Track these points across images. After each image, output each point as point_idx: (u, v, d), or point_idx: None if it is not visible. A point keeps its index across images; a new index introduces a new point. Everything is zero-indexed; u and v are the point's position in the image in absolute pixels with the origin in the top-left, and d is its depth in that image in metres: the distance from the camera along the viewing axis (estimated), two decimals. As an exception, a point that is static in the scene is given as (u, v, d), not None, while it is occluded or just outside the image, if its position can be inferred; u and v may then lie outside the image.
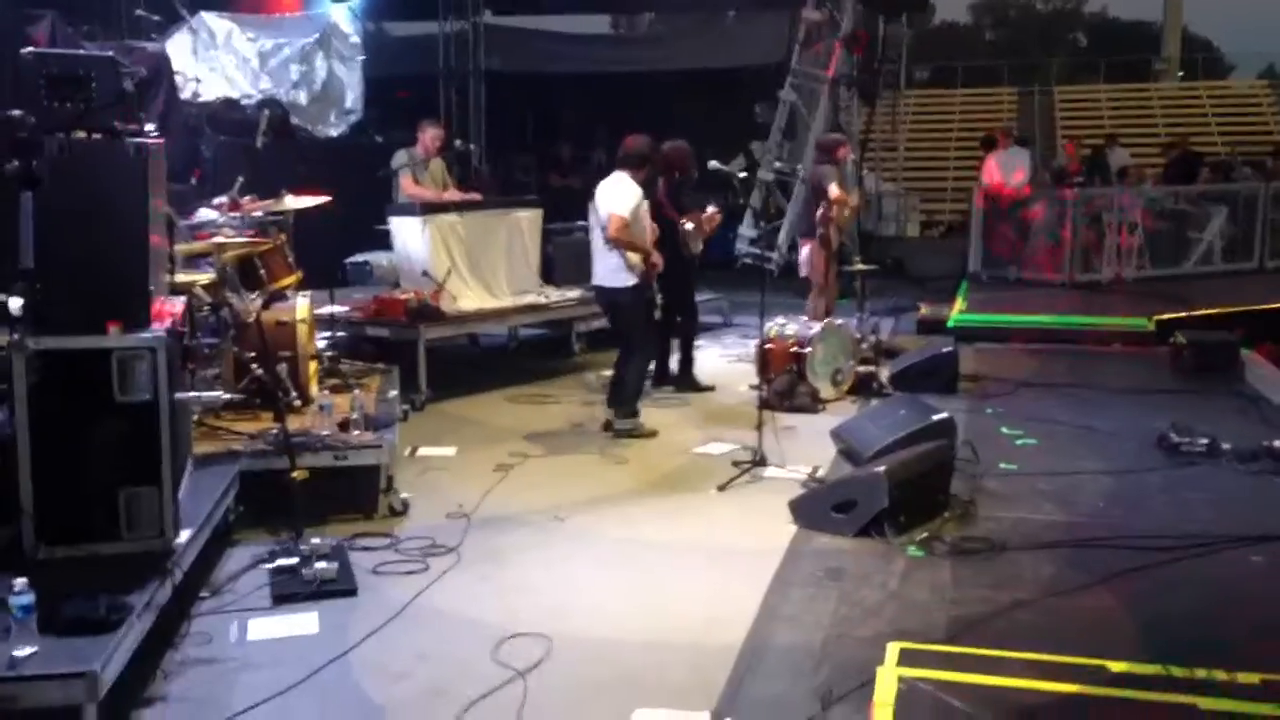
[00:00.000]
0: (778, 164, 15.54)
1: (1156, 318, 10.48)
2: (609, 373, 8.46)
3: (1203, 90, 31.17)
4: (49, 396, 3.97)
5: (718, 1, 18.93)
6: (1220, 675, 3.79)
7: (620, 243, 7.03)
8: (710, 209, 8.20)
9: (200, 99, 11.27)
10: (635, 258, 7.05)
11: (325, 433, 5.66)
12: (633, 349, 7.28)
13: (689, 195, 8.34)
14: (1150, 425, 6.98)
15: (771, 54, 16.68)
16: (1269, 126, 27.53)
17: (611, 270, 7.13)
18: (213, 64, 11.70)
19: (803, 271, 9.43)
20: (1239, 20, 58.63)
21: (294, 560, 4.66)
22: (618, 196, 7.03)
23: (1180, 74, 34.48)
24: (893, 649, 4.02)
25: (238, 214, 6.92)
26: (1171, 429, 6.71)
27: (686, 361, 8.53)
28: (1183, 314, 10.46)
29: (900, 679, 3.77)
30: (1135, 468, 6.38)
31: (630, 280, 7.10)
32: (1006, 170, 14.00)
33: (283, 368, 6.18)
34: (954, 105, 30.69)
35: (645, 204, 7.22)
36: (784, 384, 7.85)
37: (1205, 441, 6.55)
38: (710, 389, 8.36)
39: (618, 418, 7.20)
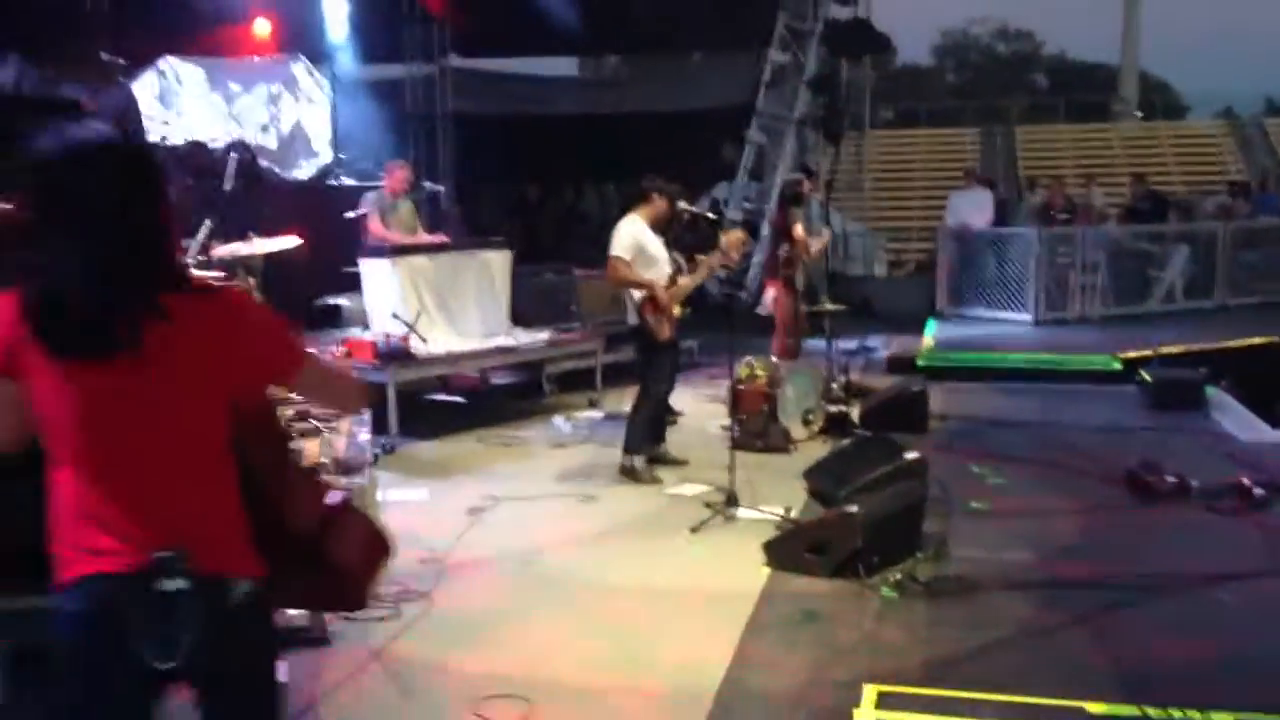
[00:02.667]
0: (745, 204, 15.65)
1: (1122, 356, 10.58)
2: (582, 414, 8.44)
3: (1162, 130, 31.69)
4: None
5: (684, 44, 19.12)
6: (1195, 715, 3.80)
7: (619, 284, 7.06)
8: (734, 234, 7.67)
9: (168, 142, 11.24)
10: (639, 294, 7.02)
11: (294, 478, 5.59)
12: (641, 389, 7.25)
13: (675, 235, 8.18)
14: (1118, 463, 7.03)
15: (738, 96, 16.85)
16: (1227, 165, 27.99)
17: (629, 309, 7.17)
18: (180, 107, 11.69)
19: (768, 309, 9.45)
20: (1195, 62, 59.84)
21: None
22: (616, 237, 7.03)
23: (1139, 115, 35.05)
24: (869, 692, 4.00)
25: (206, 257, 6.89)
26: (1140, 467, 6.75)
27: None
28: (1148, 352, 10.56)
29: (877, 722, 3.75)
30: (1105, 505, 6.42)
31: (636, 319, 7.10)
32: (969, 210, 14.15)
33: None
34: (918, 145, 31.02)
35: (655, 239, 7.12)
36: (755, 424, 7.85)
37: (1173, 479, 6.59)
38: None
39: (623, 455, 7.18)
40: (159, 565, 2.11)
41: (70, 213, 2.12)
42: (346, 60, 15.55)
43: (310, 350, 2.48)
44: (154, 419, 2.17)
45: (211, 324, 2.20)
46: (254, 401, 2.37)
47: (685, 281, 7.16)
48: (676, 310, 7.07)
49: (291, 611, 4.49)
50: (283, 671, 4.15)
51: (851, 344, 11.38)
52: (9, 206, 2.42)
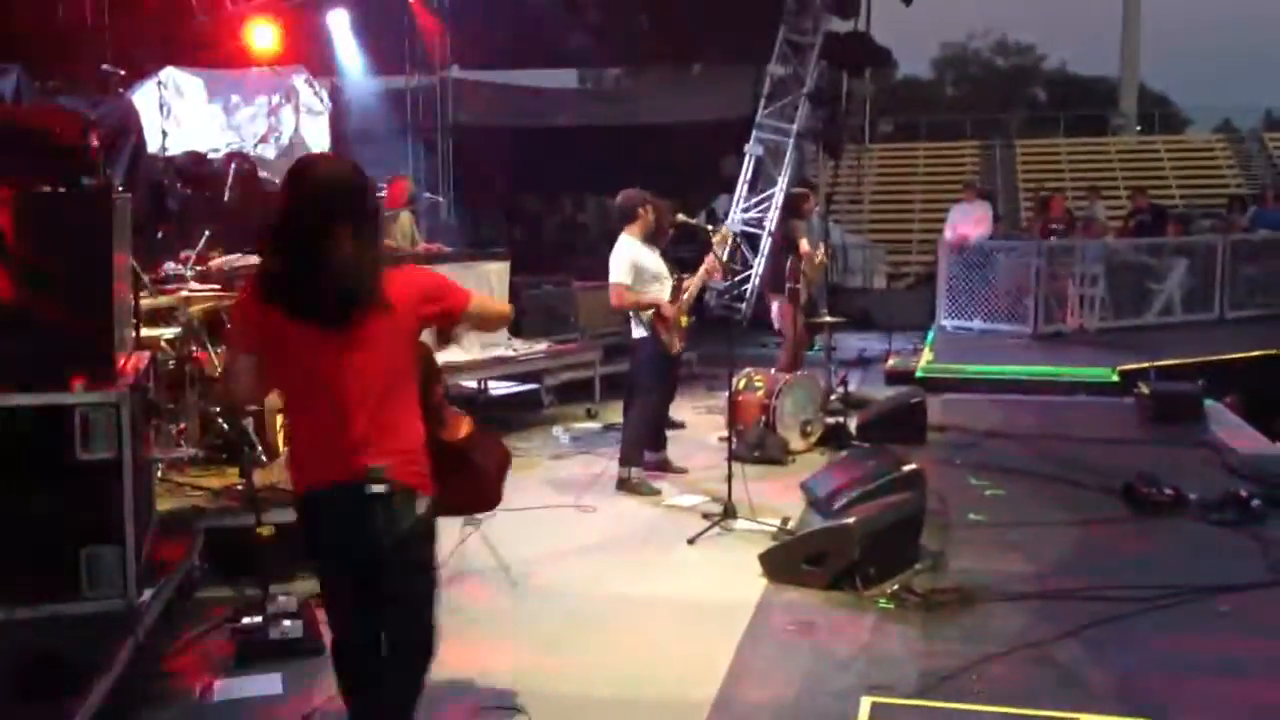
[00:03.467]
0: (745, 216, 15.68)
1: (1120, 368, 10.58)
2: (580, 425, 8.44)
3: (1161, 144, 31.75)
4: (8, 452, 3.92)
5: (684, 56, 19.16)
6: (1192, 727, 3.79)
7: (623, 308, 7.11)
8: (721, 230, 7.71)
9: (167, 153, 11.25)
10: (646, 314, 7.04)
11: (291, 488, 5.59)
12: (635, 400, 7.26)
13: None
14: (1116, 475, 7.02)
15: (738, 108, 16.88)
16: (1225, 179, 28.03)
17: (632, 323, 7.20)
18: (180, 118, 11.70)
19: (776, 324, 9.49)
20: (1195, 75, 59.97)
21: (259, 618, 4.58)
22: (613, 264, 7.07)
23: (1138, 128, 35.11)
24: (865, 703, 3.99)
25: (204, 268, 6.89)
26: (1138, 479, 6.74)
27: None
28: (1146, 364, 10.55)
29: (873, 734, 3.74)
30: (1102, 518, 6.41)
31: (640, 332, 7.13)
32: (968, 223, 14.17)
33: (249, 422, 6.12)
34: (918, 159, 31.08)
35: (651, 254, 7.15)
36: (754, 435, 7.86)
37: (1171, 491, 6.58)
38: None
39: (620, 467, 7.19)
40: (368, 475, 3.00)
41: (319, 223, 2.95)
42: (347, 72, 15.61)
43: (468, 290, 3.33)
44: (365, 368, 3.01)
45: (400, 290, 3.06)
46: (441, 322, 3.28)
47: (689, 288, 7.18)
48: (684, 321, 7.10)
49: (285, 621, 4.49)
50: (279, 683, 4.17)
51: (850, 356, 11.40)
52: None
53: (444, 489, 3.24)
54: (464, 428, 3.57)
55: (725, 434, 7.26)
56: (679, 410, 8.59)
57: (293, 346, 2.99)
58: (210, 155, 11.56)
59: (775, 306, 9.47)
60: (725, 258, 7.40)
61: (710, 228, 7.46)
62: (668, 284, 7.11)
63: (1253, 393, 10.12)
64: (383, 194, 9.50)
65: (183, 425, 5.96)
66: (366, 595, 3.13)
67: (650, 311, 7.01)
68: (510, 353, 9.29)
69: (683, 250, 8.54)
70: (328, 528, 3.10)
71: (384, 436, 3.04)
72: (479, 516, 6.42)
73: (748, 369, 8.48)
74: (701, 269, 7.21)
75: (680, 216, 7.39)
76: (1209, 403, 9.38)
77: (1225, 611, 4.96)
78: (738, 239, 7.69)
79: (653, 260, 7.12)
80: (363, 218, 3.04)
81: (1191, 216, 17.30)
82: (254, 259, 6.88)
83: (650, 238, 7.18)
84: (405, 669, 3.25)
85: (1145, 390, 9.41)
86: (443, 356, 8.23)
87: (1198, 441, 8.33)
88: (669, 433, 8.02)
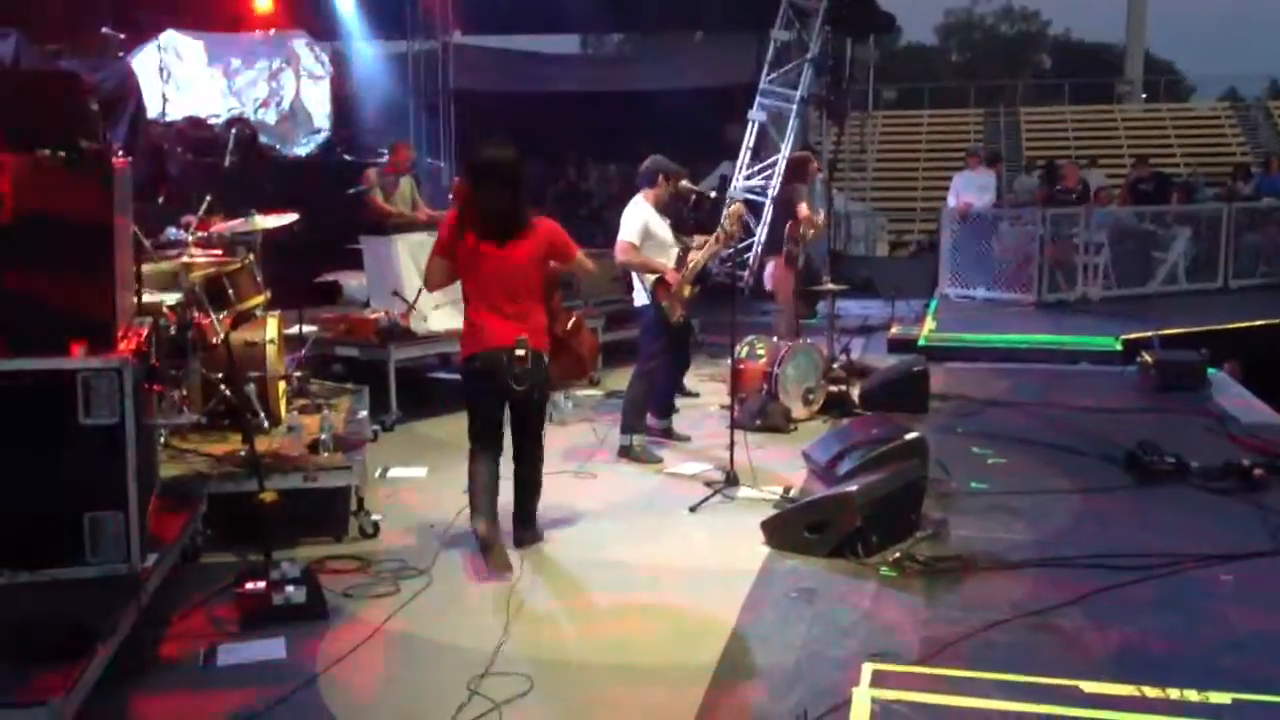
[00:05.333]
0: (748, 183, 15.61)
1: (1124, 337, 10.56)
2: (583, 393, 8.42)
3: (1165, 112, 31.59)
4: (11, 418, 3.91)
5: (687, 22, 19.01)
6: (1193, 695, 3.80)
7: (627, 266, 7.10)
8: (734, 208, 7.44)
9: (167, 117, 11.21)
10: (650, 277, 7.03)
11: (294, 454, 5.60)
12: (638, 367, 7.26)
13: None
14: (1118, 444, 7.03)
15: (740, 74, 16.77)
16: (1230, 148, 27.91)
17: (636, 289, 7.20)
18: (180, 82, 11.64)
19: (768, 285, 9.44)
20: (1200, 43, 59.61)
21: (262, 584, 4.59)
22: (626, 220, 7.05)
23: (1144, 96, 34.92)
24: (867, 670, 4.00)
25: (205, 233, 6.87)
26: (1140, 448, 6.74)
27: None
28: (1149, 333, 10.54)
29: (874, 700, 3.75)
30: (1104, 486, 6.41)
31: (642, 299, 7.13)
32: (972, 191, 14.12)
33: (251, 388, 6.12)
34: (921, 126, 30.96)
35: (662, 222, 7.13)
36: (756, 403, 7.85)
37: (1173, 460, 6.59)
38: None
39: (621, 435, 7.19)
40: (518, 343, 5.04)
41: (495, 181, 5.04)
42: (349, 36, 15.51)
43: (578, 248, 5.37)
44: (515, 273, 5.10)
45: (538, 231, 5.15)
46: (558, 263, 5.34)
47: (693, 260, 7.13)
48: (686, 291, 7.07)
49: (289, 587, 4.50)
50: (282, 647, 4.19)
51: (853, 323, 11.38)
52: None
53: (554, 365, 5.62)
54: (570, 323, 6.74)
55: (728, 402, 7.26)
56: (688, 380, 8.57)
57: (475, 256, 5.05)
58: (211, 120, 11.52)
59: (769, 268, 9.41)
60: (732, 232, 7.33)
61: (715, 195, 7.41)
62: (674, 254, 7.08)
63: (1256, 361, 10.11)
64: (384, 159, 9.43)
65: (185, 391, 5.95)
66: (505, 410, 5.29)
67: (653, 278, 6.99)
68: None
69: (689, 217, 8.50)
70: (485, 377, 5.12)
71: (524, 318, 5.10)
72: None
73: (750, 336, 8.46)
74: (709, 244, 7.16)
75: (685, 183, 7.35)
76: (1212, 372, 9.38)
77: (1226, 580, 4.97)
78: (745, 216, 7.63)
79: (663, 229, 7.10)
80: (517, 182, 5.07)
81: (1195, 185, 17.22)
82: (256, 223, 6.87)
83: (664, 207, 7.17)
84: (534, 442, 5.45)
85: (1149, 359, 9.41)
86: (445, 323, 8.30)
87: (1201, 410, 8.34)
88: (681, 400, 8.02)
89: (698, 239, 7.30)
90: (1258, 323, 11.58)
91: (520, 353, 4.99)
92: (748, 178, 15.72)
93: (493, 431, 5.26)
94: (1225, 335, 10.93)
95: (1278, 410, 8.43)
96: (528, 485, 5.49)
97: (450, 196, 7.34)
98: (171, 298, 6.03)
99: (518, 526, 5.49)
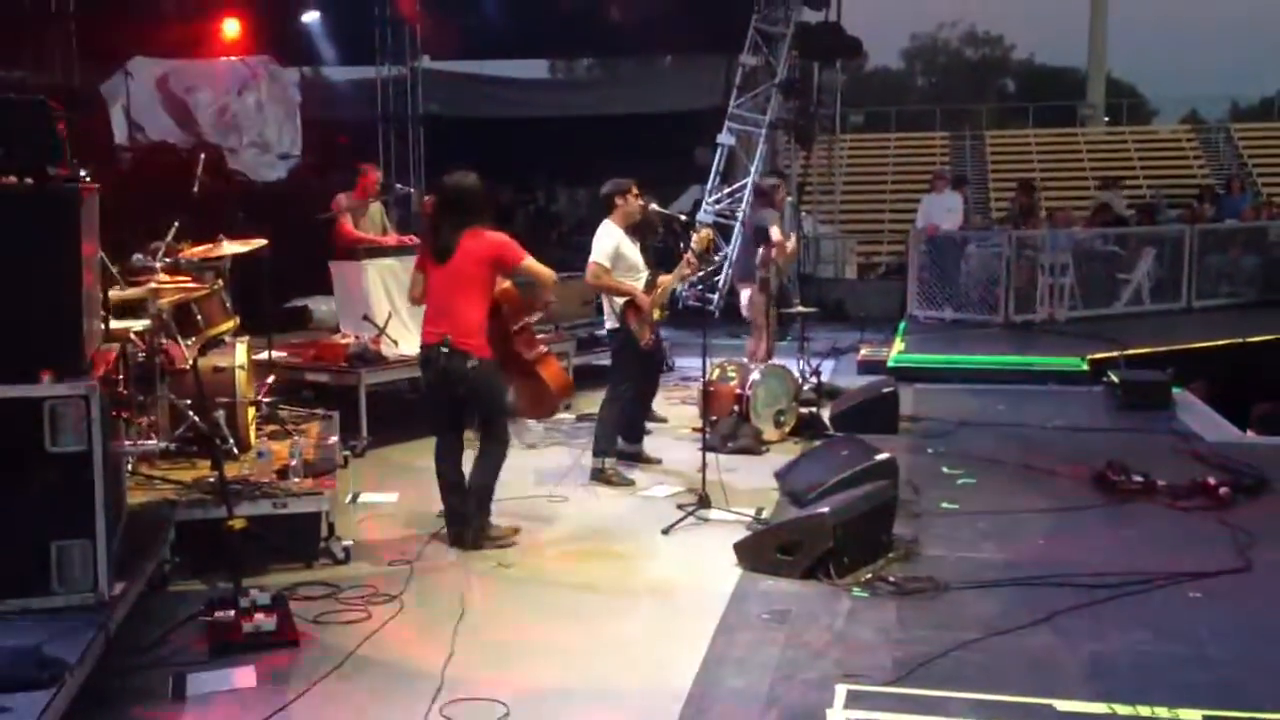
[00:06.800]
0: (717, 207, 15.68)
1: (1090, 357, 10.65)
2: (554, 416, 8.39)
3: (1128, 134, 31.97)
4: (-23, 446, 3.87)
5: (655, 47, 19.09)
6: (1163, 712, 3.83)
7: (598, 287, 7.15)
8: (703, 232, 7.44)
9: (135, 142, 11.15)
10: (620, 300, 7.05)
11: (264, 480, 5.57)
12: (609, 391, 7.27)
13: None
14: (1087, 463, 7.08)
15: (709, 99, 16.85)
16: (1192, 169, 28.28)
17: (607, 313, 7.25)
18: (148, 108, 11.59)
19: (746, 314, 9.49)
20: (1161, 66, 60.38)
21: (232, 611, 4.56)
22: (596, 243, 7.08)
23: (1106, 119, 35.33)
24: (840, 691, 4.01)
25: (173, 259, 6.82)
26: (1108, 467, 6.80)
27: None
28: (1115, 354, 10.64)
29: (848, 721, 3.76)
30: (1074, 506, 6.46)
31: (612, 323, 7.16)
32: (939, 213, 14.22)
33: (220, 414, 6.08)
34: (888, 149, 31.17)
35: (632, 245, 7.16)
36: (727, 426, 7.86)
37: (1141, 479, 6.65)
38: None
39: (594, 458, 7.17)
40: (441, 340, 5.59)
41: (440, 204, 5.79)
42: (317, 61, 15.48)
43: (526, 256, 5.78)
44: (455, 284, 5.63)
45: (473, 244, 5.61)
46: (503, 270, 5.85)
47: (663, 284, 7.15)
48: (656, 314, 7.10)
49: (259, 614, 4.46)
50: (252, 676, 4.15)
51: (823, 346, 11.42)
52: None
53: (515, 391, 6.42)
54: (537, 353, 6.43)
55: (699, 424, 7.26)
56: (657, 404, 8.57)
57: (429, 270, 5.74)
58: (178, 145, 11.47)
59: (745, 295, 9.47)
60: (701, 255, 7.37)
61: (685, 219, 7.42)
62: (644, 278, 7.10)
63: (1220, 381, 10.22)
64: (353, 185, 9.41)
65: (153, 418, 5.90)
66: (450, 404, 5.83)
67: (623, 301, 7.01)
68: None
69: (651, 239, 8.52)
70: (427, 368, 5.74)
71: (453, 319, 5.62)
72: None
73: (721, 359, 8.48)
74: (677, 269, 7.18)
75: (654, 206, 7.38)
76: (1178, 391, 9.47)
77: (1195, 597, 5.01)
78: (715, 239, 7.63)
79: (633, 251, 7.15)
80: (457, 207, 5.69)
81: (1158, 206, 17.43)
82: (223, 249, 6.84)
83: (633, 229, 7.19)
84: (490, 439, 5.87)
85: (1115, 379, 9.49)
86: (415, 347, 8.19)
87: (1167, 429, 8.42)
88: (650, 425, 8.02)
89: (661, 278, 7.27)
90: (1221, 342, 11.70)
91: (444, 349, 5.56)
92: (717, 201, 15.78)
93: (442, 423, 5.90)
94: (1190, 355, 11.04)
95: (1242, 429, 8.53)
96: (472, 485, 5.86)
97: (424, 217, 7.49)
98: (139, 324, 5.98)
99: (451, 524, 5.87)
